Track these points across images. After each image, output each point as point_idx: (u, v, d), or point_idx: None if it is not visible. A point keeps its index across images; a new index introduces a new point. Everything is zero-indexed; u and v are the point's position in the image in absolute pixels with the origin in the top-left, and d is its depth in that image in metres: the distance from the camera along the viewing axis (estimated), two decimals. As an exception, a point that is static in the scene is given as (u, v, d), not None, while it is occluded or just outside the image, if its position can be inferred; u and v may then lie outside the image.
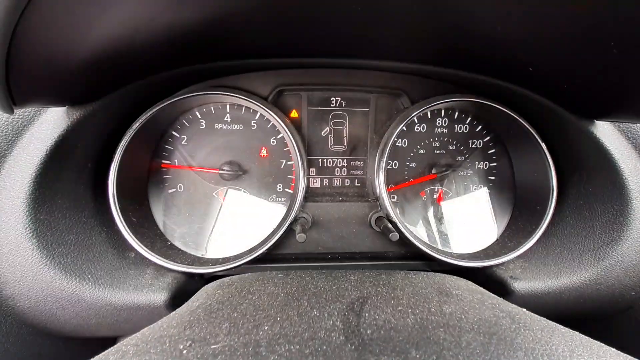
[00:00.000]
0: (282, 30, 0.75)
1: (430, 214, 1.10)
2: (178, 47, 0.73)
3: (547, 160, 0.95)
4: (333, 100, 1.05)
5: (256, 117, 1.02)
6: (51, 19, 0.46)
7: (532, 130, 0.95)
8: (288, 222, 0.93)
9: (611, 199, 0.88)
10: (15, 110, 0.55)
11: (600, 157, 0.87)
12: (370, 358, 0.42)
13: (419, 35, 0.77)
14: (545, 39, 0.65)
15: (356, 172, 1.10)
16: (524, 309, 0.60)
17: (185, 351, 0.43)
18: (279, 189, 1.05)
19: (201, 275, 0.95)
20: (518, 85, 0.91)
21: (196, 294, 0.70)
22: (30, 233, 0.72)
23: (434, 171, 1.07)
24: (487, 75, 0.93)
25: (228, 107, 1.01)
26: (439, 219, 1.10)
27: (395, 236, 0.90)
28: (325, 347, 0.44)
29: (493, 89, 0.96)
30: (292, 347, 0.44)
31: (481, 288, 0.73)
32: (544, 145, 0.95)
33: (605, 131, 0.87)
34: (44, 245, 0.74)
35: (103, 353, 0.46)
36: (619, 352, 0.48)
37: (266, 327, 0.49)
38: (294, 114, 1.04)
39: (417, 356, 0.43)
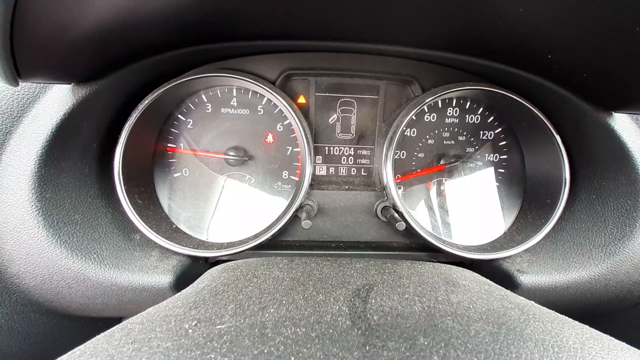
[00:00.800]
0: (292, 12, 0.73)
1: (437, 205, 1.09)
2: (184, 25, 0.71)
3: (561, 153, 0.92)
4: (342, 86, 1.02)
5: (263, 102, 1.00)
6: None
7: (546, 122, 0.92)
8: (293, 209, 0.92)
9: (625, 193, 0.86)
10: (20, 84, 0.54)
11: (616, 150, 0.85)
12: (378, 343, 0.42)
13: (433, 19, 0.74)
14: (569, 24, 0.62)
15: (363, 160, 1.08)
16: (533, 302, 0.60)
17: (190, 330, 0.43)
18: (285, 176, 1.04)
19: (206, 259, 0.95)
20: (534, 74, 0.88)
21: (201, 276, 0.69)
22: (36, 211, 0.72)
23: (442, 162, 1.05)
24: (502, 63, 0.90)
25: (235, 90, 0.99)
26: (446, 210, 1.08)
27: (402, 226, 0.89)
28: (331, 331, 0.44)
29: (508, 77, 0.93)
30: (298, 329, 0.43)
31: (488, 280, 0.72)
32: (558, 138, 0.92)
33: (623, 124, 0.84)
34: (50, 223, 0.74)
35: (109, 330, 0.46)
36: (630, 346, 0.47)
37: (272, 310, 0.48)
38: (301, 99, 1.02)
39: (425, 343, 0.42)
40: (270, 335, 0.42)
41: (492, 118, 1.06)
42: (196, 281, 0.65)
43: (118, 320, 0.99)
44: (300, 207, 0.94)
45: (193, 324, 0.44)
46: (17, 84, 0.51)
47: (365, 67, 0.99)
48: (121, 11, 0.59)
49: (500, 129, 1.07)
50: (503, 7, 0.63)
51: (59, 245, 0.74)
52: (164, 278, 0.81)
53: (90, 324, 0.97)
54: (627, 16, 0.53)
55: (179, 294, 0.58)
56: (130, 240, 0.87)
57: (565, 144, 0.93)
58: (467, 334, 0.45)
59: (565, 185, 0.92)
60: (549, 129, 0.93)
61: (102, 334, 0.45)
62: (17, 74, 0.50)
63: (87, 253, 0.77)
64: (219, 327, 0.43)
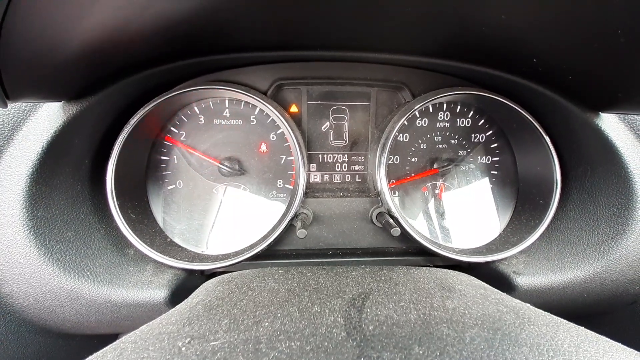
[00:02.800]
0: (281, 23, 0.74)
1: (432, 208, 1.09)
2: (173, 39, 0.72)
3: (551, 154, 0.94)
4: (333, 94, 1.03)
5: (255, 112, 1.01)
6: (40, 9, 0.44)
7: (535, 123, 0.94)
8: (288, 218, 0.92)
9: (616, 192, 0.87)
10: (9, 105, 0.54)
11: (604, 149, 0.86)
12: (372, 354, 0.42)
13: (422, 26, 0.75)
14: (551, 29, 0.64)
15: (357, 167, 1.09)
16: (528, 304, 0.60)
17: (184, 348, 0.43)
18: (279, 184, 1.04)
19: (201, 271, 0.94)
20: (521, 77, 0.90)
21: (196, 290, 0.69)
22: (27, 230, 0.72)
23: (435, 166, 1.06)
24: (490, 68, 0.91)
25: (227, 102, 1.00)
26: (441, 214, 1.09)
27: (396, 231, 0.89)
28: (326, 344, 0.43)
29: (496, 81, 0.94)
30: (292, 343, 0.43)
31: (484, 283, 0.72)
32: (547, 139, 0.93)
33: (610, 123, 0.86)
34: (42, 242, 0.73)
35: (101, 350, 0.46)
36: (625, 346, 0.48)
37: (266, 324, 0.48)
38: (293, 108, 1.02)
39: (420, 352, 0.42)
40: (264, 350, 0.42)
41: (482, 121, 1.07)
42: (191, 296, 0.65)
43: (114, 336, 0.98)
44: (295, 215, 0.94)
45: (186, 341, 0.44)
46: (5, 106, 0.51)
47: (356, 75, 1.00)
48: (111, 29, 0.59)
49: (491, 132, 1.08)
50: (486, 14, 0.64)
51: (52, 263, 0.73)
52: (159, 293, 0.81)
53: (86, 341, 0.96)
54: (609, 21, 0.55)
55: (173, 309, 0.58)
56: (124, 256, 0.86)
57: (555, 145, 0.94)
58: (462, 341, 0.45)
59: (556, 185, 0.93)
60: (538, 131, 0.94)
61: (94, 355, 0.44)
62: (5, 96, 0.50)
63: (80, 270, 0.77)
64: (212, 343, 0.43)
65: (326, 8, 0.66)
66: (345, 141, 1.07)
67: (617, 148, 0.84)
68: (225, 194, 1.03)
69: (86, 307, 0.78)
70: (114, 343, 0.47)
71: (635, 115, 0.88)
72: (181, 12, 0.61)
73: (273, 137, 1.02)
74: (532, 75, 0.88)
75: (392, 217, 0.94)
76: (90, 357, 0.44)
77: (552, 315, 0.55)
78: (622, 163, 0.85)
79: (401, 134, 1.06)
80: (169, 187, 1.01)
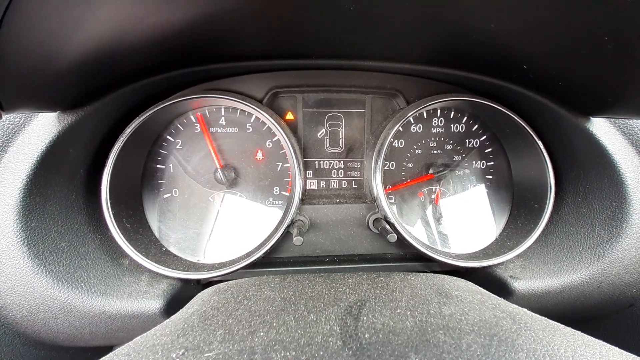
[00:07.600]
0: (277, 32, 0.75)
1: (429, 214, 1.09)
2: (169, 49, 0.73)
3: (544, 158, 0.95)
4: (329, 101, 1.04)
5: (251, 120, 1.01)
6: (35, 21, 0.45)
7: (528, 128, 0.95)
8: (285, 225, 0.92)
9: (609, 195, 0.88)
10: (4, 116, 0.54)
11: (596, 153, 0.87)
12: (369, 363, 0.41)
13: (414, 35, 0.77)
14: (540, 36, 0.65)
15: (353, 173, 1.09)
16: (525, 309, 0.60)
17: (178, 360, 0.42)
18: (276, 192, 1.04)
19: (197, 281, 0.94)
20: (513, 83, 0.91)
21: (191, 300, 0.68)
22: (21, 241, 0.71)
23: (431, 171, 1.06)
24: (482, 74, 0.93)
25: (223, 110, 1.00)
26: (438, 219, 1.09)
27: (393, 237, 0.89)
28: (322, 353, 0.43)
29: (488, 87, 0.95)
30: (288, 353, 0.43)
31: (481, 288, 0.72)
32: (540, 143, 0.95)
33: (601, 127, 0.87)
34: (35, 253, 0.72)
35: None
36: (622, 350, 0.48)
37: (262, 333, 0.48)
38: (289, 116, 1.03)
39: (417, 360, 0.42)
40: (259, 361, 0.41)
41: (476, 126, 1.08)
42: (186, 306, 0.64)
43: (108, 349, 0.96)
44: (292, 223, 0.94)
45: (180, 352, 0.43)
46: (0, 117, 0.51)
47: (351, 83, 1.01)
48: (107, 40, 0.60)
49: (485, 137, 1.09)
50: (476, 23, 0.65)
51: (45, 274, 0.73)
52: (154, 303, 0.80)
53: (80, 354, 0.94)
54: (596, 28, 0.56)
55: (167, 320, 0.57)
56: (119, 266, 0.85)
57: (548, 149, 0.95)
58: (459, 347, 0.45)
59: (551, 189, 0.94)
60: (531, 135, 0.95)
61: (86, 368, 0.44)
62: (0, 107, 0.50)
63: (74, 281, 0.76)
64: (206, 354, 0.43)
65: (321, 18, 0.67)
66: (341, 148, 1.08)
67: (609, 152, 0.85)
68: (222, 202, 1.03)
69: (80, 319, 0.77)
70: (107, 356, 0.46)
71: (625, 119, 0.89)
72: (177, 23, 0.62)
73: (269, 145, 1.02)
74: (523, 82, 0.89)
75: (389, 223, 0.94)
76: None
77: (548, 320, 0.55)
78: (614, 166, 0.86)
79: (396, 140, 1.07)
80: (165, 196, 1.00)
